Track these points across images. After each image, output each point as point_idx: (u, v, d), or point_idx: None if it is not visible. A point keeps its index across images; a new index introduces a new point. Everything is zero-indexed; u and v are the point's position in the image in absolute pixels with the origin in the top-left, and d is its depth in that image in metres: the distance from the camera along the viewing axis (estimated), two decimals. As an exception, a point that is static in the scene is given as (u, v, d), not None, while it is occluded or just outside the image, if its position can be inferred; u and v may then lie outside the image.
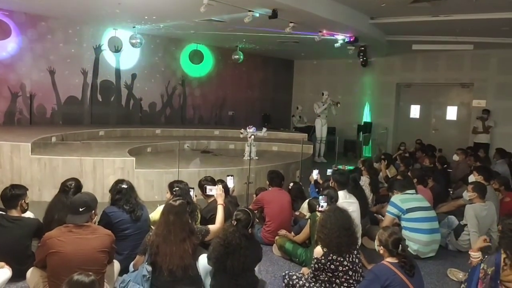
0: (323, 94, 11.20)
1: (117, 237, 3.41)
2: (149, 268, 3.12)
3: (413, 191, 5.05)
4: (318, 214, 3.96)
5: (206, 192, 4.58)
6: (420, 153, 9.85)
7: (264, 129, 8.08)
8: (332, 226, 3.34)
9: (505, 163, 8.55)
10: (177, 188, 4.24)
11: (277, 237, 4.72)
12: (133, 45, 9.92)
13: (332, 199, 4.21)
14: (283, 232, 4.75)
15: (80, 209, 2.99)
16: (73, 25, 9.59)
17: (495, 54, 11.29)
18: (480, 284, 3.32)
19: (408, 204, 4.75)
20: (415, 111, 13.44)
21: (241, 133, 7.92)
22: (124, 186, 3.99)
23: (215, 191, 4.29)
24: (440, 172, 7.56)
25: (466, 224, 4.89)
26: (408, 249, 4.19)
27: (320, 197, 4.10)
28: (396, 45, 10.98)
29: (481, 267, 3.37)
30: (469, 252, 3.66)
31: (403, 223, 4.74)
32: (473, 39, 9.74)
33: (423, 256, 4.67)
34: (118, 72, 10.60)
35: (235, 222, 3.36)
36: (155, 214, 4.23)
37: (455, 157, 8.63)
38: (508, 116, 11.11)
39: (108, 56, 10.33)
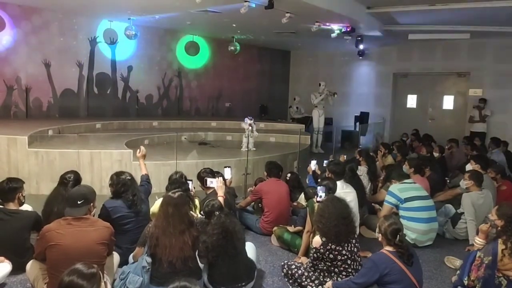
0: (320, 84, 11.18)
1: (117, 232, 3.38)
2: (149, 260, 3.12)
3: (411, 180, 5.08)
4: (315, 201, 3.98)
5: (206, 184, 4.60)
6: (416, 142, 9.87)
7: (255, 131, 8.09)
8: (330, 216, 3.36)
9: (500, 152, 8.59)
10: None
11: (275, 228, 4.73)
12: (128, 37, 9.85)
13: (330, 190, 4.22)
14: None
15: (78, 202, 2.99)
16: (67, 17, 9.50)
17: (492, 43, 11.28)
18: (474, 271, 3.37)
19: (406, 194, 4.77)
20: (411, 100, 13.45)
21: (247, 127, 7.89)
22: (128, 177, 3.95)
23: (215, 183, 4.30)
24: (437, 161, 7.59)
25: (463, 213, 4.93)
26: (406, 238, 4.21)
27: (319, 187, 4.11)
28: (393, 34, 10.94)
29: (477, 255, 3.41)
30: (476, 239, 3.71)
31: (401, 212, 4.76)
32: (470, 28, 9.72)
33: (420, 244, 4.70)
34: (114, 64, 10.54)
35: (218, 212, 3.50)
36: (154, 207, 4.23)
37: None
38: (504, 105, 11.15)
39: (103, 48, 10.26)
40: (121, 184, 3.89)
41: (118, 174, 4.01)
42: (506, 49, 11.09)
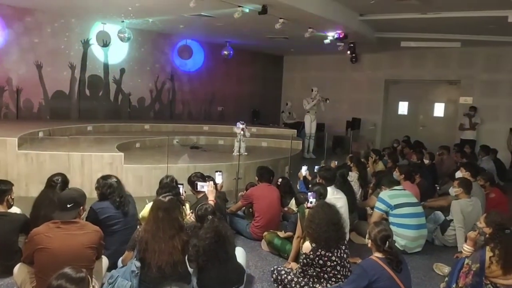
0: (312, 90, 11.23)
1: (105, 233, 3.35)
2: (138, 264, 3.11)
3: (400, 186, 5.11)
4: (306, 207, 3.99)
5: (197, 189, 4.60)
6: (407, 149, 9.95)
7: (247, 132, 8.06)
8: (320, 221, 3.37)
9: (490, 160, 8.69)
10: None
11: (265, 233, 4.73)
12: (121, 39, 9.83)
13: (321, 196, 4.24)
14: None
15: (68, 205, 2.98)
16: (60, 18, 9.46)
17: (482, 52, 11.42)
18: (463, 278, 3.39)
19: (396, 200, 4.80)
20: (403, 107, 13.55)
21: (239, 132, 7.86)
22: (115, 180, 3.98)
23: (206, 187, 4.30)
24: (428, 168, 7.65)
25: (452, 220, 4.97)
26: (396, 244, 4.24)
27: (309, 193, 4.12)
28: (385, 42, 11.04)
29: (465, 262, 3.44)
30: (464, 246, 3.74)
31: (391, 219, 4.78)
32: (461, 37, 9.85)
33: (410, 251, 4.73)
34: (106, 66, 10.51)
35: (210, 216, 3.47)
36: (144, 211, 4.22)
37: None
38: (494, 113, 11.28)
39: (96, 50, 10.22)
40: (107, 186, 3.91)
41: (104, 177, 4.03)
42: (496, 58, 11.24)
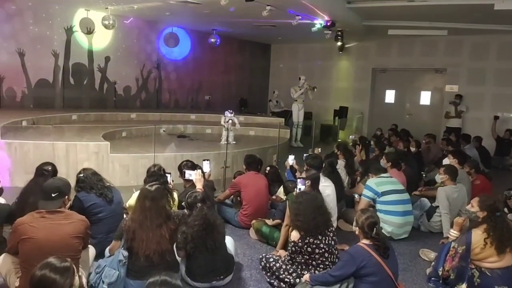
0: (300, 78, 11.21)
1: (91, 221, 3.33)
2: (125, 253, 3.09)
3: (387, 174, 5.15)
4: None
5: (185, 177, 4.57)
6: (394, 137, 10.02)
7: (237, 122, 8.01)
8: (305, 210, 3.39)
9: (473, 147, 8.80)
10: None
11: (253, 221, 4.74)
12: (106, 26, 9.63)
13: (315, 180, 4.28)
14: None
15: (53, 195, 2.92)
16: (42, 5, 9.22)
17: (468, 40, 11.50)
18: (449, 261, 3.45)
19: (383, 187, 4.84)
20: (390, 96, 13.63)
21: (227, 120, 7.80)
22: (81, 175, 3.95)
23: (194, 175, 4.28)
24: (414, 155, 7.71)
25: (437, 206, 5.03)
26: (382, 231, 4.28)
27: (299, 180, 4.13)
28: (372, 30, 11.04)
29: (452, 246, 3.49)
30: (451, 231, 3.80)
31: (378, 206, 4.82)
32: (447, 25, 9.88)
33: (396, 237, 4.78)
34: (90, 54, 10.31)
35: (200, 204, 3.47)
36: (131, 200, 4.18)
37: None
38: (479, 101, 11.41)
39: (80, 37, 10.01)
40: (76, 181, 3.93)
41: (79, 173, 4.04)
42: (481, 46, 11.33)
